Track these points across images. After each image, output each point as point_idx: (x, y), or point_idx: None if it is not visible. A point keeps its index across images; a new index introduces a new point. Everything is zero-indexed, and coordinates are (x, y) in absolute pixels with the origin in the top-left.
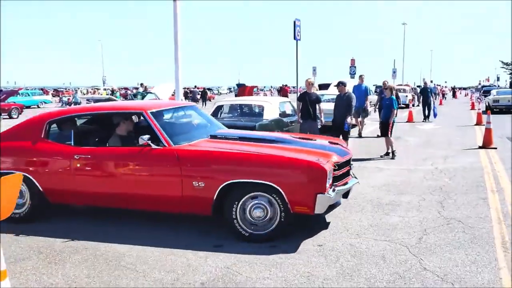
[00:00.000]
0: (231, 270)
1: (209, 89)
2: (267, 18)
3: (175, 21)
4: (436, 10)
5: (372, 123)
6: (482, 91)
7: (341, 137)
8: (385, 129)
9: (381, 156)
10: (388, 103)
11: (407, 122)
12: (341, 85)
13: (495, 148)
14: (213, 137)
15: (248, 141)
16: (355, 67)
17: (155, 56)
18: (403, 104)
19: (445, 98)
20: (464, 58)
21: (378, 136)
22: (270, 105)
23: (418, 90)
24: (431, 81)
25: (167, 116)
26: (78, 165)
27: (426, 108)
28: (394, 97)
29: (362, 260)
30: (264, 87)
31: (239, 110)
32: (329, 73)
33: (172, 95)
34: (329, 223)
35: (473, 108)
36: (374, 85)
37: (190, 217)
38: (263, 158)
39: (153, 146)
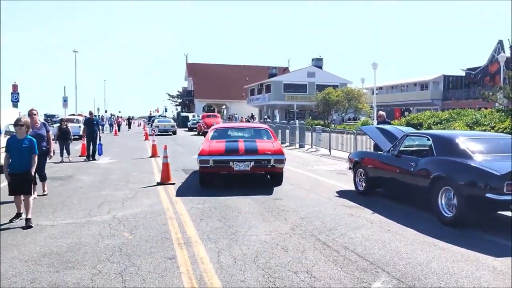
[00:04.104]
0: None
1: None
2: None
3: None
4: (109, 39)
5: None
6: (150, 120)
7: None
8: (27, 183)
9: (11, 221)
10: (26, 146)
11: (80, 156)
12: None
13: (173, 184)
14: None
15: None
16: (18, 93)
17: None
18: (76, 135)
19: (120, 128)
20: (137, 89)
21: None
22: None
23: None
24: (106, 111)
25: None
26: None
27: (91, 144)
28: (33, 137)
29: None
30: None
31: None
32: None
33: None
34: None
35: (147, 138)
36: (44, 114)
37: None
38: None
39: None
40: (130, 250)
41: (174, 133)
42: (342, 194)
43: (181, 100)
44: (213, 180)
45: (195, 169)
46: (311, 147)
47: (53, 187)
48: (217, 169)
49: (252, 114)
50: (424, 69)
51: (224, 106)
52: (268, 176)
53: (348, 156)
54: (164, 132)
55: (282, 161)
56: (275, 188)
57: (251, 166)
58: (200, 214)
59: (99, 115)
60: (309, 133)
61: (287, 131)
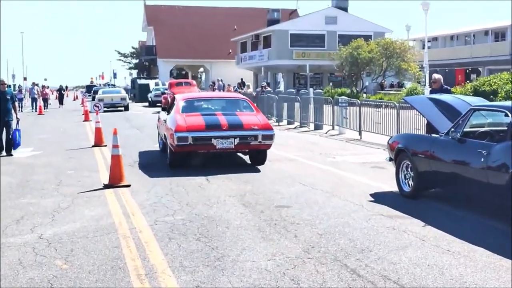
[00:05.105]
0: None
1: None
2: None
3: None
4: None
5: None
6: (92, 91)
7: None
8: None
9: None
10: None
11: None
12: None
13: (129, 186)
14: None
15: None
16: None
17: None
18: None
19: (48, 104)
20: (72, 47)
21: None
22: None
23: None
24: (25, 79)
25: None
26: None
27: (5, 130)
28: None
29: None
30: None
31: None
32: None
33: None
34: None
35: (87, 118)
36: None
37: None
38: None
39: None
40: (65, 285)
41: (126, 108)
42: (379, 197)
43: (137, 61)
44: (186, 161)
45: (156, 160)
46: (332, 129)
47: None
48: (195, 148)
49: (242, 80)
50: (499, 11)
51: (201, 69)
52: (249, 156)
53: (388, 142)
54: (111, 107)
55: (271, 137)
56: (280, 192)
57: (235, 143)
58: (169, 231)
59: (14, 85)
60: (329, 107)
61: (297, 104)
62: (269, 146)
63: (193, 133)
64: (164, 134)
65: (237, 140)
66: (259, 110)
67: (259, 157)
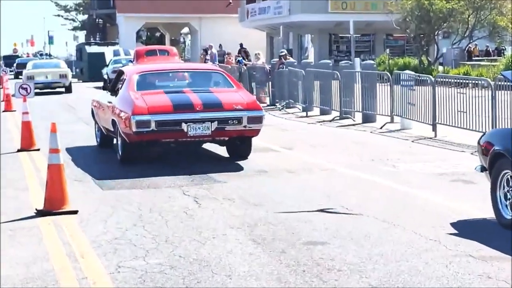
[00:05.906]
0: None
1: None
2: None
3: None
4: None
5: None
6: (16, 65)
7: None
8: None
9: None
10: None
11: None
12: None
13: (75, 212)
14: None
15: None
16: None
17: None
18: None
19: None
20: None
21: None
22: None
23: None
24: None
25: None
26: None
27: None
28: None
29: None
30: None
31: None
32: None
33: None
34: None
35: (8, 107)
36: None
37: None
38: None
39: None
40: None
41: (69, 90)
42: (466, 228)
43: (86, 18)
44: (142, 154)
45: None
46: (391, 121)
47: None
48: (160, 136)
49: (241, 45)
50: None
51: (186, 30)
52: (226, 147)
53: (479, 141)
54: (46, 88)
55: (259, 120)
56: (310, 220)
57: (213, 128)
58: (138, 282)
59: None
60: (385, 87)
61: (335, 83)
62: (257, 132)
63: (157, 116)
64: (113, 120)
65: (214, 125)
66: (240, 85)
67: (242, 148)
